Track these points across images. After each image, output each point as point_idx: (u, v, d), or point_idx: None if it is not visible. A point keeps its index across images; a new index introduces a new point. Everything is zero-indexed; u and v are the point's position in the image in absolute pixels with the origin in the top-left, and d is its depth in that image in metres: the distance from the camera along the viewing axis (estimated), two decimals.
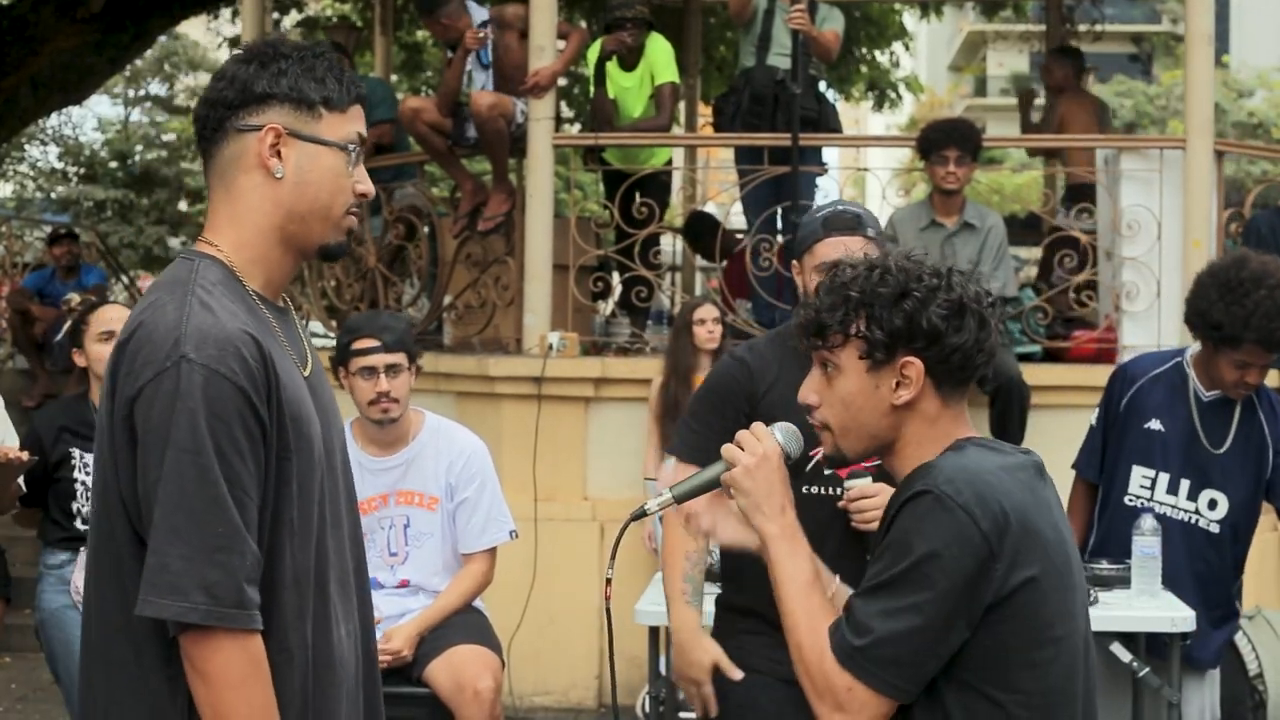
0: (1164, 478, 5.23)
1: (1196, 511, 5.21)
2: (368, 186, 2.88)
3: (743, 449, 2.93)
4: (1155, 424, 5.23)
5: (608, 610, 3.07)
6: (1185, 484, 5.21)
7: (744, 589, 4.22)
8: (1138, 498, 5.25)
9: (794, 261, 4.29)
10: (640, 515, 3.03)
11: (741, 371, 4.29)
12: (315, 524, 2.80)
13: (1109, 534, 5.34)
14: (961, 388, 2.86)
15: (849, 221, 4.16)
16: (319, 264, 9.87)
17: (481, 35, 8.99)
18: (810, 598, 2.81)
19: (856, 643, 2.68)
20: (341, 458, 2.99)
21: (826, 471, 4.02)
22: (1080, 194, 9.53)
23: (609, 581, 3.03)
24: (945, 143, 7.89)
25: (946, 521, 2.64)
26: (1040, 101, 12.02)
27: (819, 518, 3.83)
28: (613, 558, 3.04)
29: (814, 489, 4.12)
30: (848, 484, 4.04)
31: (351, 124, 2.85)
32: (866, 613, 2.68)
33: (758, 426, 2.97)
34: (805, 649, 2.76)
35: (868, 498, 4.00)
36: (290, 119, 2.80)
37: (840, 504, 4.01)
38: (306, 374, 2.88)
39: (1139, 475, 5.26)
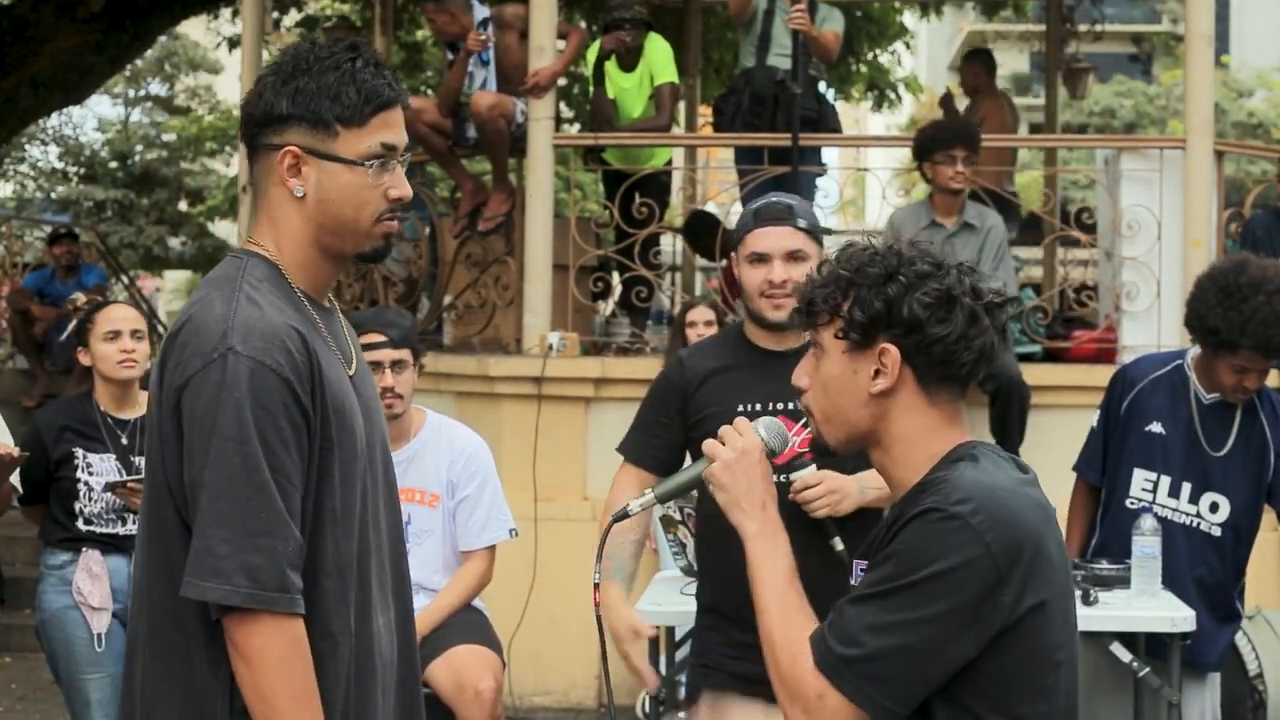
0: (1165, 481, 5.22)
1: (1198, 514, 5.21)
2: (402, 190, 2.90)
3: (724, 444, 2.86)
4: (1156, 427, 5.23)
5: (597, 613, 3.06)
6: (1187, 487, 5.21)
7: (707, 586, 4.32)
8: (1139, 501, 5.24)
9: (731, 253, 4.31)
10: (623, 516, 3.00)
11: (676, 371, 4.37)
12: (358, 514, 2.87)
13: (1110, 537, 5.34)
14: (951, 385, 2.73)
15: (779, 212, 4.17)
16: None
17: (484, 38, 9.00)
18: (787, 596, 2.72)
19: (842, 652, 2.57)
20: (383, 454, 3.05)
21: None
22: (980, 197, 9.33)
23: (597, 586, 3.03)
24: (953, 142, 7.86)
25: (956, 542, 2.53)
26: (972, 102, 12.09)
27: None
28: (598, 560, 3.03)
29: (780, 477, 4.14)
30: (791, 476, 4.02)
31: (373, 135, 2.85)
32: (857, 623, 2.57)
33: (740, 421, 2.90)
34: (778, 649, 2.67)
35: (810, 486, 4.00)
36: (307, 139, 2.84)
37: (790, 496, 4.00)
38: (351, 372, 2.96)
39: (1141, 478, 5.26)
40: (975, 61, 11.79)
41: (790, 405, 3.97)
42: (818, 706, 2.59)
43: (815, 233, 4.18)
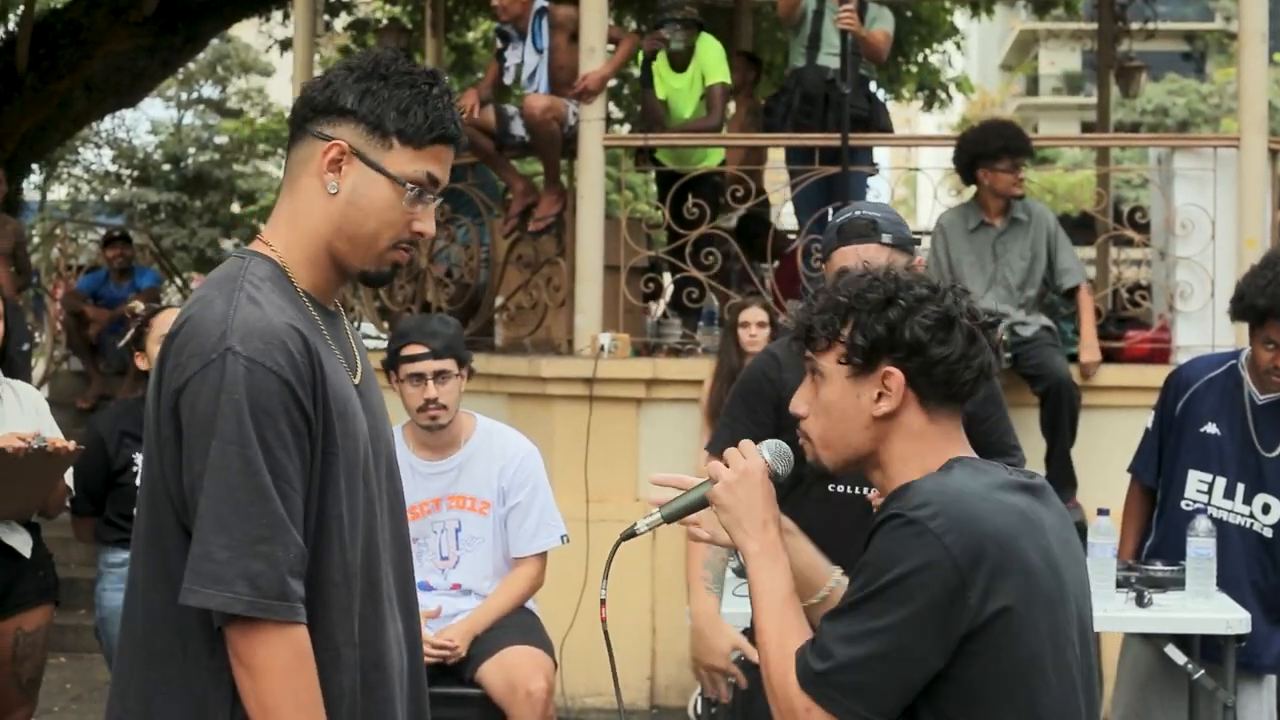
0: (1221, 482, 5.20)
1: (1251, 516, 5.18)
2: (425, 227, 2.84)
3: (728, 465, 2.90)
4: (1211, 428, 5.20)
5: (605, 631, 3.06)
6: (1241, 488, 5.18)
7: None
8: (1194, 502, 5.22)
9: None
10: (630, 535, 2.99)
11: (770, 366, 4.31)
12: (363, 522, 2.81)
13: (1166, 538, 5.32)
14: (950, 404, 2.78)
15: (862, 229, 4.09)
16: None
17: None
18: (784, 616, 2.76)
19: (817, 666, 2.62)
20: (388, 465, 2.98)
21: None
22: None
23: (603, 602, 3.03)
24: (1019, 150, 7.83)
25: (916, 546, 2.56)
26: None
27: (850, 515, 3.83)
28: (605, 577, 3.01)
29: (840, 488, 4.11)
30: (870, 493, 4.00)
31: (423, 162, 2.81)
32: (830, 635, 2.62)
33: (745, 443, 2.94)
34: (772, 666, 2.72)
35: None
36: (360, 140, 2.79)
37: (869, 497, 3.97)
38: (356, 380, 2.89)
39: (1196, 479, 5.23)
40: (740, 62, 11.41)
41: None
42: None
43: (903, 245, 4.11)
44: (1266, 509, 5.17)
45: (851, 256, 4.00)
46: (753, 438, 4.27)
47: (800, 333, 2.84)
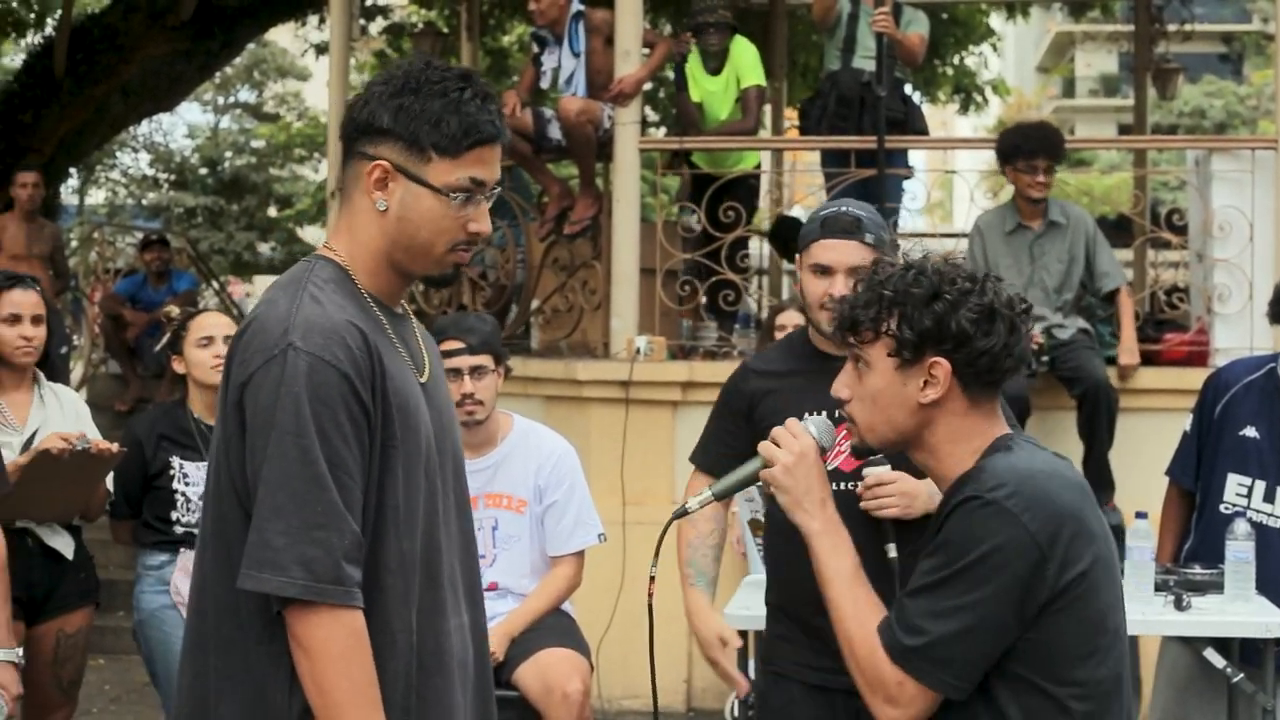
0: (1260, 485, 5.18)
1: None
2: (481, 226, 2.91)
3: (779, 446, 3.04)
4: (1250, 431, 5.18)
5: (650, 607, 3.14)
6: None
7: (775, 587, 4.29)
8: (1234, 506, 5.20)
9: (797, 257, 4.27)
10: (682, 514, 3.14)
11: (740, 377, 4.37)
12: (422, 514, 2.88)
13: (1204, 541, 5.30)
14: (991, 389, 2.93)
15: (846, 225, 4.08)
16: None
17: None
18: (856, 591, 2.92)
19: (909, 642, 2.77)
20: (455, 464, 3.06)
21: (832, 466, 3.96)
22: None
23: (652, 579, 3.11)
24: (1037, 152, 7.81)
25: (996, 525, 2.73)
26: None
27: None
28: (656, 554, 3.11)
29: (841, 485, 4.11)
30: (865, 471, 3.99)
31: (464, 169, 2.86)
32: (918, 612, 2.77)
33: (792, 423, 3.08)
34: (856, 642, 2.85)
35: (884, 484, 3.97)
36: (400, 157, 2.85)
37: (857, 490, 3.98)
38: (423, 379, 2.97)
39: (1235, 483, 5.22)
40: None
41: None
42: (898, 694, 2.80)
43: (882, 247, 4.10)
44: None
45: (831, 250, 4.05)
46: (728, 450, 4.31)
47: (845, 324, 2.96)
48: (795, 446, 3.02)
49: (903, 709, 2.79)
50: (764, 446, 3.06)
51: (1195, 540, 5.37)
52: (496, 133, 2.91)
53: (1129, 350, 8.06)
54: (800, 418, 4.00)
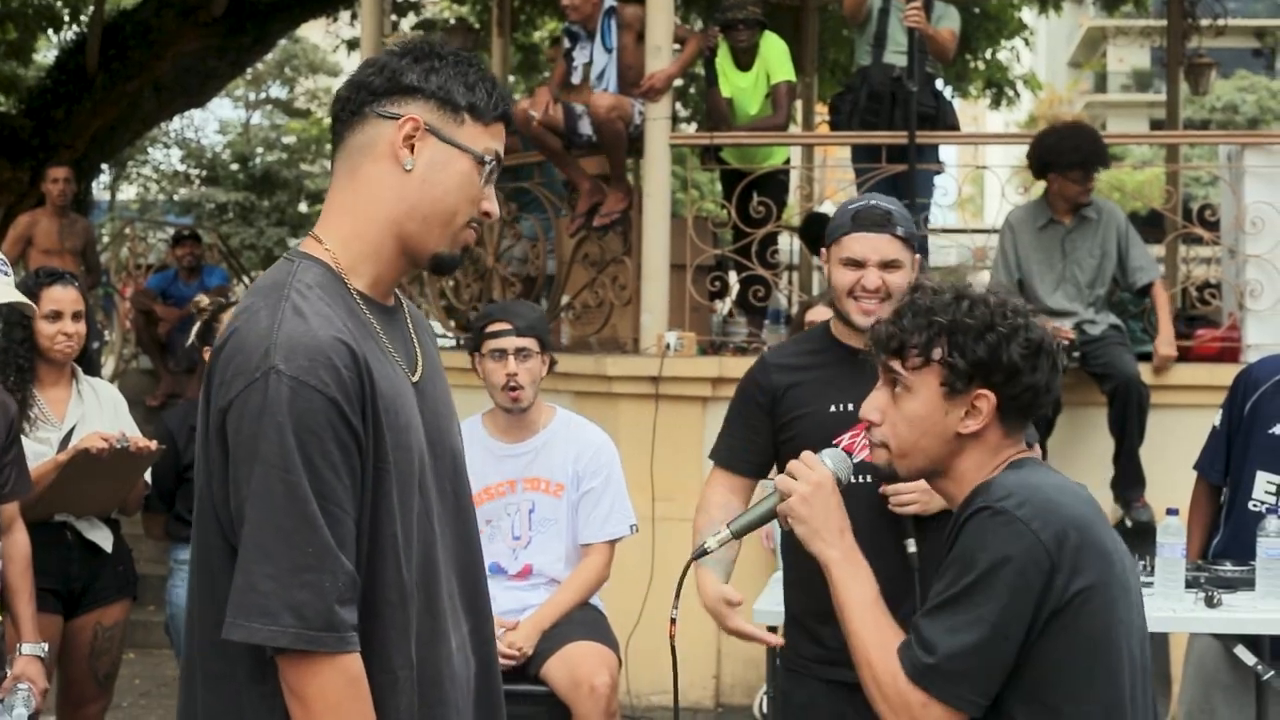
0: None
1: None
2: (492, 206, 2.77)
3: (795, 479, 3.03)
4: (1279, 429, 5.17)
5: (672, 647, 3.14)
6: None
7: (792, 589, 4.30)
8: (1263, 503, 5.19)
9: (822, 250, 4.26)
10: (701, 554, 3.16)
11: (759, 371, 4.34)
12: (418, 538, 2.71)
13: (1234, 538, 5.29)
14: (1025, 422, 2.94)
15: (878, 218, 4.10)
16: None
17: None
18: (876, 617, 2.90)
19: (926, 660, 2.75)
20: (453, 461, 2.90)
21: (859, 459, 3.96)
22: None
23: (673, 621, 3.12)
24: (1093, 164, 7.79)
25: (1007, 535, 2.71)
26: None
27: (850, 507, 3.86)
28: (677, 596, 3.12)
29: (861, 477, 4.10)
30: None
31: (492, 139, 2.75)
32: (933, 630, 2.75)
33: (808, 455, 3.07)
34: (877, 668, 2.83)
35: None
36: (433, 116, 2.70)
37: (880, 489, 3.97)
38: (415, 378, 2.80)
39: (1264, 480, 5.21)
40: None
41: None
42: (924, 715, 2.76)
43: (912, 241, 4.14)
44: None
45: (863, 244, 4.07)
46: (749, 446, 4.30)
47: (890, 345, 2.93)
48: (811, 478, 3.02)
49: None
50: (780, 480, 3.06)
51: (1224, 537, 5.36)
52: (510, 112, 2.82)
53: (1167, 341, 8.04)
54: (827, 414, 4.03)
